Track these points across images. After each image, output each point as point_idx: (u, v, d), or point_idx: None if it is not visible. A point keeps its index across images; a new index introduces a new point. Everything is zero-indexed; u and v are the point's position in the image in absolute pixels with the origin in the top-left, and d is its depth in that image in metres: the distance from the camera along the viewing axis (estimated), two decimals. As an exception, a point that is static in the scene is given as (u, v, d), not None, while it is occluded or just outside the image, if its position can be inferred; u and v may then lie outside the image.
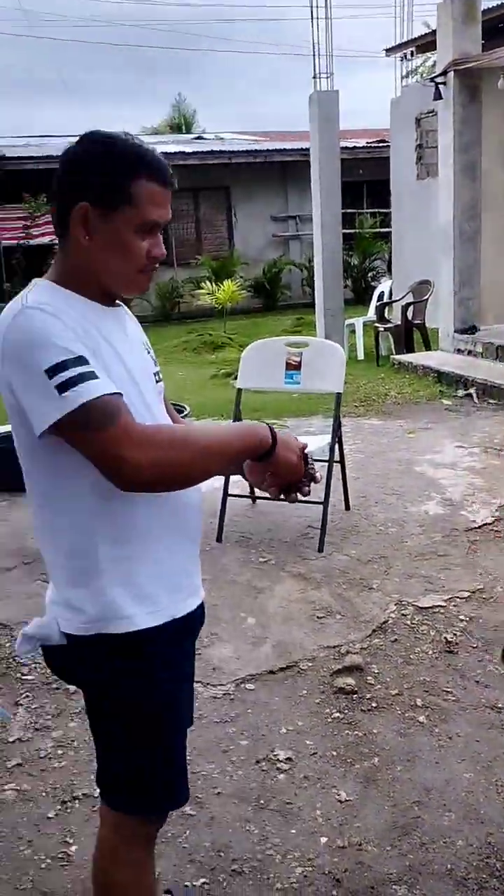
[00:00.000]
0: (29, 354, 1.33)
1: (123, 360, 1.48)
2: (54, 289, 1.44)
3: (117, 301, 1.56)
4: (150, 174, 1.42)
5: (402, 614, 3.40)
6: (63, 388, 1.31)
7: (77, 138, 1.46)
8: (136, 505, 1.47)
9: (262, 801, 2.43)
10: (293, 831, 2.31)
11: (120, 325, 1.54)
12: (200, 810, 2.39)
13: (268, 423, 1.51)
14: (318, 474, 1.58)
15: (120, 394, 1.37)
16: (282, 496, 1.56)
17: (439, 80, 8.23)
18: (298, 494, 1.56)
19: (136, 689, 1.53)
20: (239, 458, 1.50)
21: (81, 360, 1.33)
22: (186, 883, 2.13)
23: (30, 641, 1.55)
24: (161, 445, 1.37)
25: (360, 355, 9.59)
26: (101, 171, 1.41)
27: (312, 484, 1.57)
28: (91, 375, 1.33)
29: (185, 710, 1.67)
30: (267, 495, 1.62)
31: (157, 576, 1.52)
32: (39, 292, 1.42)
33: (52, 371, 1.31)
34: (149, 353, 1.63)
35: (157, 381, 1.61)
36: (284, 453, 1.48)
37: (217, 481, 4.16)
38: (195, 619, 1.64)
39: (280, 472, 1.51)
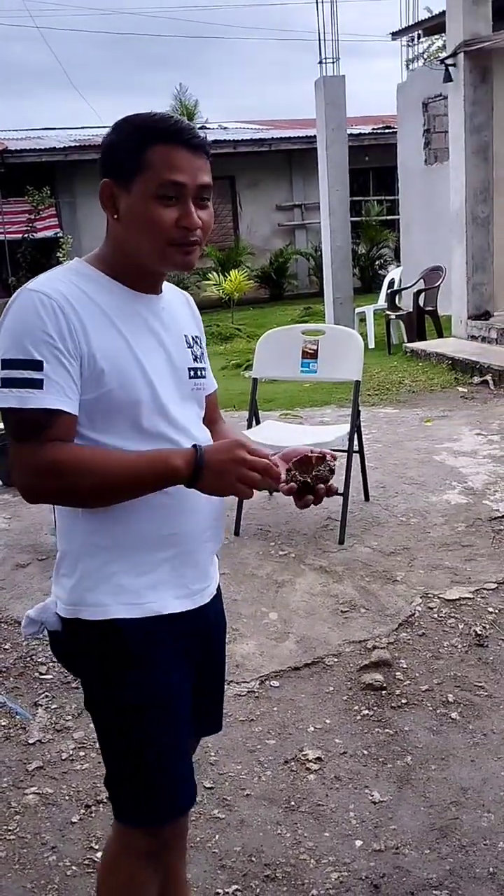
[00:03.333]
0: (2, 336, 1.36)
1: (137, 353, 1.41)
2: (80, 271, 1.43)
3: (162, 289, 1.51)
4: (164, 139, 1.37)
5: (429, 607, 3.31)
6: (5, 383, 1.33)
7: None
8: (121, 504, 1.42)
9: (292, 803, 2.34)
10: (326, 834, 2.22)
11: (153, 314, 1.48)
12: (229, 813, 2.31)
13: (198, 445, 1.37)
14: (333, 483, 1.51)
15: (60, 412, 1.33)
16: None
17: (449, 61, 8.08)
18: (311, 499, 1.50)
19: (110, 685, 1.47)
20: (155, 486, 1.38)
21: (36, 365, 1.32)
22: (218, 891, 2.05)
23: (33, 624, 1.55)
24: (63, 473, 1.34)
25: (371, 343, 9.47)
26: (117, 146, 1.40)
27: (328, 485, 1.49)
28: (36, 384, 1.32)
29: (170, 717, 1.50)
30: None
31: (137, 570, 1.45)
32: (57, 272, 1.42)
33: (5, 364, 1.33)
34: (191, 346, 1.55)
35: (190, 377, 1.53)
36: (217, 479, 1.35)
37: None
38: (193, 619, 1.53)
39: (226, 491, 1.37)
